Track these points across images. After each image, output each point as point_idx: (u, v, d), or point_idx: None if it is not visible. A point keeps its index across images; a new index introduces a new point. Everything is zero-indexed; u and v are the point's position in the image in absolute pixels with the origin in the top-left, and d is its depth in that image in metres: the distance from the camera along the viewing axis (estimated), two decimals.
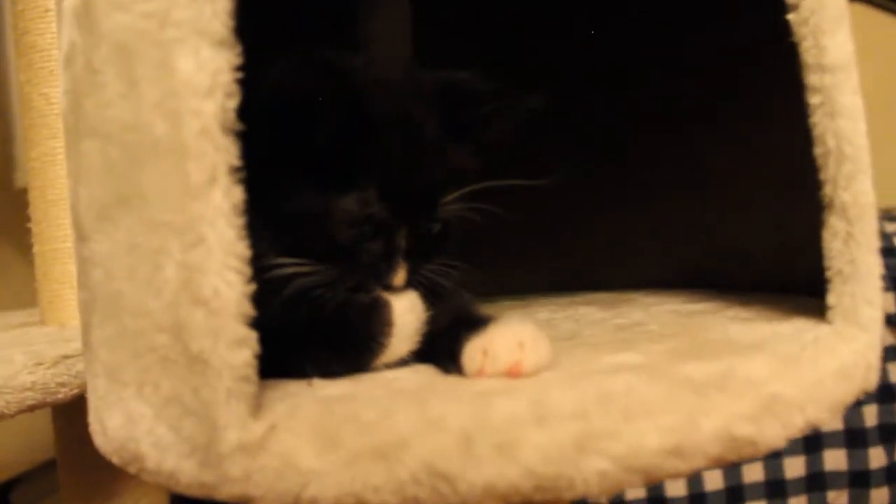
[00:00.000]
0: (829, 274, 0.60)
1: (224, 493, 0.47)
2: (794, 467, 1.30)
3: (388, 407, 0.47)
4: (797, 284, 0.75)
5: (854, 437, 1.30)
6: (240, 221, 0.47)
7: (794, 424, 0.50)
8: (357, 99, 0.56)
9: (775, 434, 0.48)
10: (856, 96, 0.59)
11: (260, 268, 0.57)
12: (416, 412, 0.46)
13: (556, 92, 0.96)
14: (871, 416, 1.30)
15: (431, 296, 0.61)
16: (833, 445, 1.30)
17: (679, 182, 0.90)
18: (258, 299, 0.58)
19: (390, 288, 0.58)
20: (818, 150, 0.60)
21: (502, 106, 0.62)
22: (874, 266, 0.59)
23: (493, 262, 1.01)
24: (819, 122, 0.59)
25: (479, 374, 0.52)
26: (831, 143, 0.59)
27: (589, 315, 0.77)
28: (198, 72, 0.46)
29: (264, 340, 0.58)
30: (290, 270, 0.56)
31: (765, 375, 0.51)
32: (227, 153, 0.47)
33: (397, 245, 0.58)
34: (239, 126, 0.47)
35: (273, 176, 0.56)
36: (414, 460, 0.44)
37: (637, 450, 0.45)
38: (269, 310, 0.58)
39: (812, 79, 0.59)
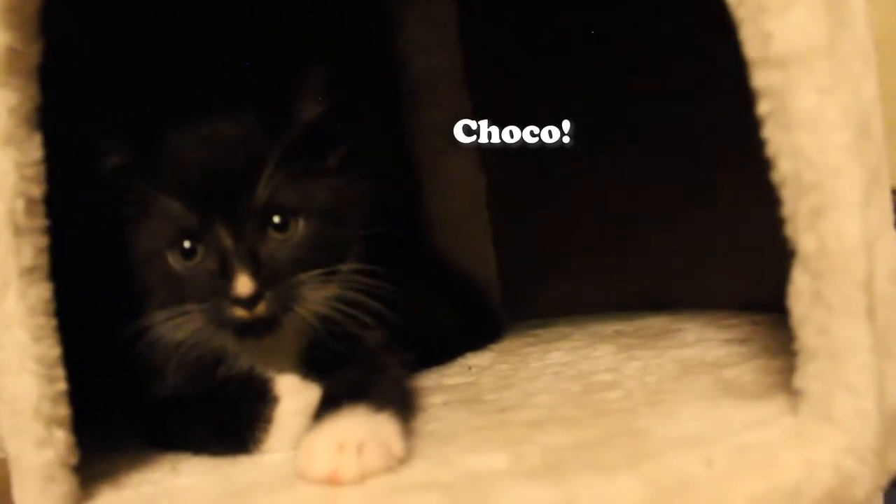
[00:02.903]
0: (795, 346, 0.43)
1: None
2: None
3: None
4: None
5: None
6: (38, 322, 0.46)
7: None
8: (145, 138, 0.56)
9: None
10: (823, 97, 0.41)
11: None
12: None
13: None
14: None
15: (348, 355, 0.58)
16: None
17: (749, 192, 0.72)
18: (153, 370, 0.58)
19: (241, 302, 0.52)
20: (774, 176, 0.43)
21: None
22: (859, 338, 0.41)
23: (555, 281, 0.90)
24: (771, 136, 0.43)
25: (303, 477, 0.45)
26: (786, 166, 0.42)
27: (592, 361, 0.65)
28: None
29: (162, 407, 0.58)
30: (164, 326, 0.56)
31: None
32: (18, 255, 0.46)
33: (224, 248, 0.53)
34: (39, 223, 0.46)
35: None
36: None
37: None
38: (162, 381, 0.57)
39: (758, 78, 0.42)
